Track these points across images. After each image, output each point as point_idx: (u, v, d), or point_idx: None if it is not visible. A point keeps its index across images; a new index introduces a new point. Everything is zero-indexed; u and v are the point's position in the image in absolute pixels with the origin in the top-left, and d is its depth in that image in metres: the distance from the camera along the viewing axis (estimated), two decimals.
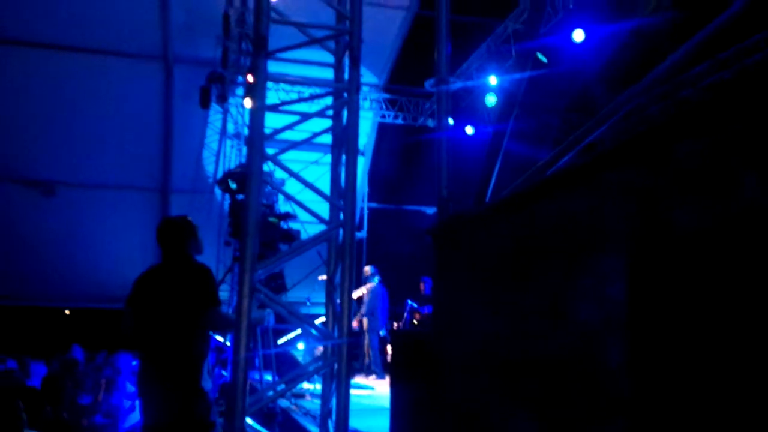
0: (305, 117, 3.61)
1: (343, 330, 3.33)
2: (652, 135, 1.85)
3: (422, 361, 3.10)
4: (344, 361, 3.31)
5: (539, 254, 2.34)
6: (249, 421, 5.02)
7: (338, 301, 3.44)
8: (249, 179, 3.34)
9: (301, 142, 3.73)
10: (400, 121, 12.40)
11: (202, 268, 3.49)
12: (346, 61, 3.90)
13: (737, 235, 1.48)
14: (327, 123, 4.10)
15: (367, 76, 12.08)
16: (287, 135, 4.04)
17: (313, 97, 4.31)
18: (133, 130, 11.11)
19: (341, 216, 3.58)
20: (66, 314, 13.04)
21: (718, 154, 1.61)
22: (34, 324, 11.87)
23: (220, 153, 11.46)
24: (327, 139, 4.07)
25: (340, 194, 3.73)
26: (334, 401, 3.33)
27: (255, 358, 6.54)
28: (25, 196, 11.02)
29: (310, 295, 9.12)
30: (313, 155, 10.11)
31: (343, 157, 3.64)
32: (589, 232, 2.06)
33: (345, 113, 3.66)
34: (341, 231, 3.62)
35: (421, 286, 9.09)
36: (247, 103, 8.07)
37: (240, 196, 6.51)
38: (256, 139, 3.34)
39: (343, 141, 3.67)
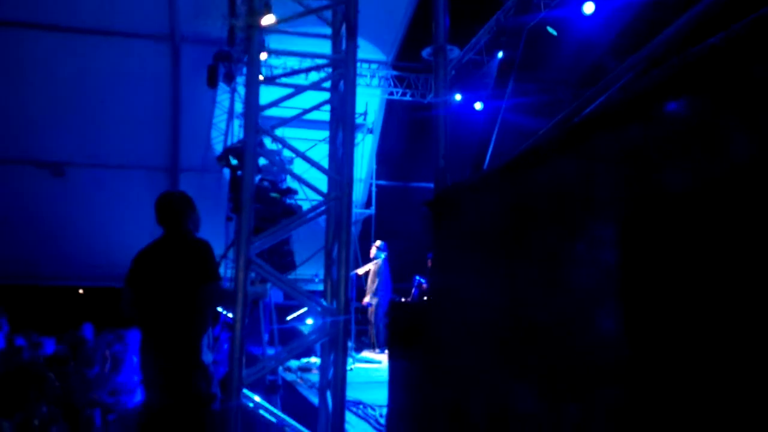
0: (299, 90, 3.58)
1: (341, 303, 3.34)
2: (641, 96, 1.81)
3: (419, 332, 3.10)
4: (341, 333, 3.32)
5: (533, 221, 2.31)
6: (255, 397, 5.07)
7: (336, 274, 3.44)
8: (244, 153, 3.33)
9: (294, 117, 3.70)
10: (408, 98, 12.33)
11: (200, 242, 3.49)
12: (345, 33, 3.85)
13: (731, 195, 1.45)
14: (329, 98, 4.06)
15: (375, 53, 11.99)
16: (289, 112, 4.03)
17: (309, 69, 4.26)
18: (142, 110, 11.13)
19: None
20: (80, 293, 13.22)
21: (709, 113, 1.57)
22: (48, 303, 12.05)
23: (229, 132, 11.45)
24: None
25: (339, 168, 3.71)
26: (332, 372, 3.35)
27: (261, 333, 6.59)
28: (35, 178, 11.12)
29: (318, 272, 9.17)
30: (323, 133, 10.08)
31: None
32: (581, 196, 2.03)
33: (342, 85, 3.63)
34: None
35: (429, 262, 9.09)
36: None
37: (240, 172, 6.53)
38: (251, 113, 3.32)
39: (340, 113, 3.64)
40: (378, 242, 9.38)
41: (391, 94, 12.35)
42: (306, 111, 3.71)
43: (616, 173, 1.88)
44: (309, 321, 8.22)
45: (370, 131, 12.43)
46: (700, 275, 1.49)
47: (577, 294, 2.00)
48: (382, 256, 9.10)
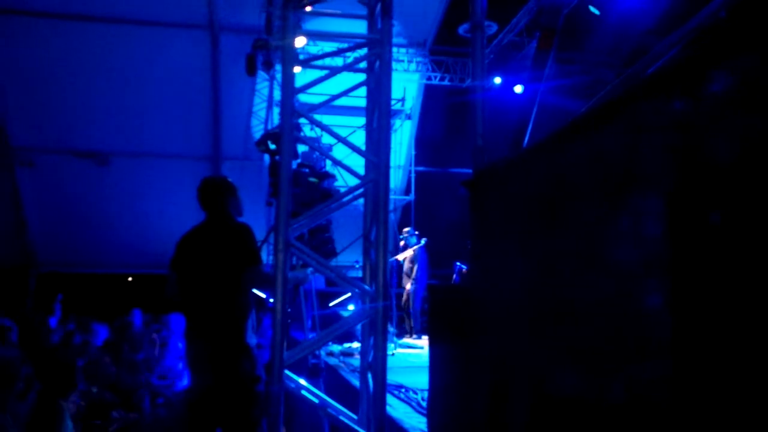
0: (335, 71, 3.56)
1: (380, 285, 3.32)
2: (686, 63, 1.73)
3: (459, 313, 3.06)
4: (380, 316, 3.30)
5: (575, 197, 2.24)
6: (301, 380, 5.13)
7: (374, 257, 3.42)
8: (281, 136, 3.34)
9: (331, 99, 3.68)
10: (446, 82, 12.18)
11: (242, 226, 3.53)
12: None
13: None
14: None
15: (413, 38, 11.87)
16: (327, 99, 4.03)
17: (344, 50, 4.22)
18: (183, 99, 11.31)
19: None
20: (129, 281, 13.58)
21: (757, 76, 1.49)
22: (98, 291, 12.40)
23: (268, 120, 11.54)
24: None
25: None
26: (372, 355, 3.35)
27: (304, 319, 6.64)
28: (80, 167, 11.43)
29: (358, 258, 9.21)
30: (362, 120, 10.05)
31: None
32: (626, 169, 1.96)
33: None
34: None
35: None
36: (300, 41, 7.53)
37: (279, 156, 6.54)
38: (288, 95, 3.32)
39: (376, 95, 3.61)
40: (406, 229, 9.47)
41: (429, 78, 12.20)
42: (342, 94, 3.69)
43: (662, 144, 1.81)
44: (351, 307, 8.26)
45: (409, 117, 12.33)
46: (754, 248, 1.42)
47: (621, 270, 1.94)
48: (422, 242, 9.08)
